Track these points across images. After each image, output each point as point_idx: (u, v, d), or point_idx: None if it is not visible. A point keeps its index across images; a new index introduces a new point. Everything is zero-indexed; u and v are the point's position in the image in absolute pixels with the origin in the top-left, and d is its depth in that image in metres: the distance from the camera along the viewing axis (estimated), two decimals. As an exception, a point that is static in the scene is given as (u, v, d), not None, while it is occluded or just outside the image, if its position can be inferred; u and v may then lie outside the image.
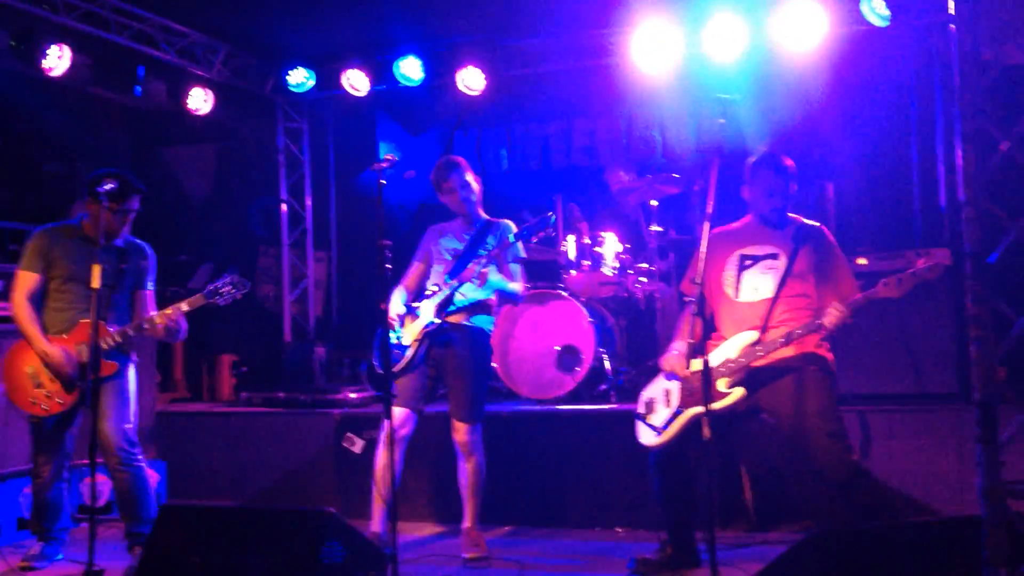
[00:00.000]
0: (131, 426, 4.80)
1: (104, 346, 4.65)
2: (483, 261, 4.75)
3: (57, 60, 6.41)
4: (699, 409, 4.05)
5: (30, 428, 4.85)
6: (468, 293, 4.87)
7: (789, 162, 4.37)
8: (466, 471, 4.90)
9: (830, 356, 4.25)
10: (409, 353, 4.84)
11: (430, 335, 4.84)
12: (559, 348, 6.22)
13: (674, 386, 4.33)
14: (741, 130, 7.31)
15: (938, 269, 3.90)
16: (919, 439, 5.12)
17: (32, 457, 4.87)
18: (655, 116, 7.86)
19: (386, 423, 4.80)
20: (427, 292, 4.93)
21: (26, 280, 4.79)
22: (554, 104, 8.10)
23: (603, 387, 6.24)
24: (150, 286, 4.99)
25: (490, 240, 5.00)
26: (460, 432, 4.85)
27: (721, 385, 4.15)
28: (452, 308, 4.86)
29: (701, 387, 3.93)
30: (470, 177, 5.05)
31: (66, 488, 4.97)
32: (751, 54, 6.71)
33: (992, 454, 2.82)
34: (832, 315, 4.00)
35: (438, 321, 4.80)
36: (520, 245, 4.99)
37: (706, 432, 3.57)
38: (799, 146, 7.17)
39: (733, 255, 4.36)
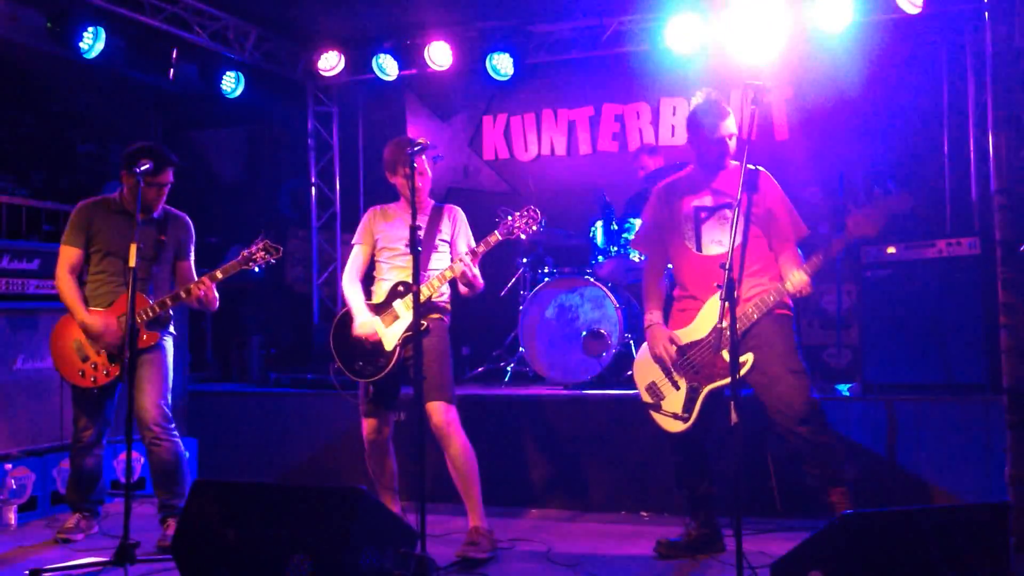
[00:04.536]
0: (166, 401, 4.85)
1: (144, 317, 4.71)
2: (468, 261, 4.57)
3: (92, 42, 6.49)
4: (715, 384, 4.13)
5: (72, 395, 4.93)
6: (443, 290, 4.75)
7: (717, 112, 4.25)
8: (452, 456, 4.60)
9: (789, 305, 4.22)
10: (393, 361, 4.66)
11: (408, 338, 4.60)
12: (586, 333, 6.25)
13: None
14: (771, 117, 7.31)
15: (905, 201, 3.92)
16: (947, 429, 5.11)
17: (73, 423, 4.95)
18: (684, 103, 7.84)
19: (364, 423, 4.86)
20: (395, 286, 4.73)
21: (67, 254, 4.89)
22: (583, 90, 8.10)
23: (629, 372, 6.24)
24: (190, 256, 5.06)
25: (444, 227, 4.83)
26: (437, 413, 4.57)
27: (727, 357, 3.99)
28: (429, 306, 4.71)
29: (707, 362, 4.08)
30: (427, 163, 4.82)
31: (105, 457, 5.05)
32: (782, 41, 6.69)
33: (1020, 440, 2.83)
34: (793, 281, 4.03)
35: (425, 324, 4.55)
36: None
37: (734, 418, 3.56)
38: (829, 134, 7.16)
39: (687, 207, 4.31)
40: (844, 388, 5.69)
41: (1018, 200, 2.79)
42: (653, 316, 4.36)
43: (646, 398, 4.38)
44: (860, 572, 3.19)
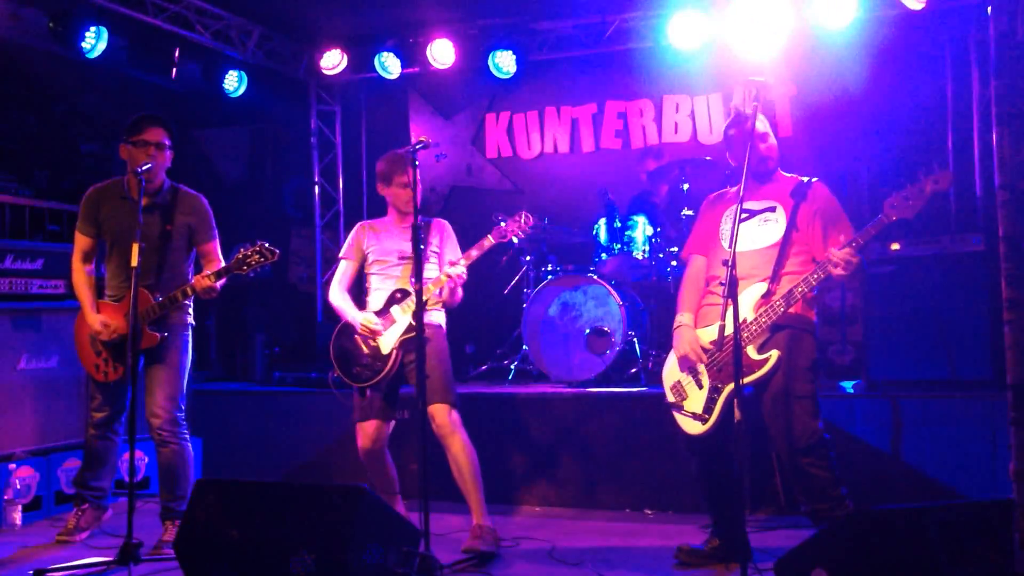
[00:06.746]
0: (176, 403, 4.74)
1: (148, 317, 4.61)
2: (461, 267, 4.62)
3: (94, 42, 6.51)
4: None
5: (91, 377, 4.91)
6: (435, 294, 4.75)
7: (757, 122, 4.09)
8: (454, 456, 4.63)
9: (815, 318, 4.14)
10: (390, 364, 4.69)
11: (405, 341, 4.68)
12: (589, 331, 6.24)
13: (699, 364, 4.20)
14: (774, 114, 7.29)
15: (944, 180, 3.81)
16: (952, 425, 5.09)
17: (88, 402, 4.95)
18: (687, 100, 7.82)
19: (359, 426, 4.82)
20: (393, 293, 4.78)
21: (79, 242, 4.84)
22: (585, 88, 8.08)
23: (633, 370, 6.25)
24: (209, 239, 4.85)
25: (434, 240, 4.86)
26: (440, 414, 4.60)
27: (752, 352, 3.97)
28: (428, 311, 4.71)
29: (729, 360, 3.84)
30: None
31: (116, 443, 4.99)
32: (785, 37, 6.67)
33: (1025, 437, 2.80)
34: (838, 257, 3.83)
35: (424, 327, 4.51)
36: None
37: (737, 415, 3.54)
38: (833, 130, 7.14)
39: (729, 210, 4.22)
40: (848, 385, 5.68)
41: (1022, 195, 2.77)
42: (683, 318, 4.27)
43: (670, 397, 4.25)
44: (864, 570, 3.18)
